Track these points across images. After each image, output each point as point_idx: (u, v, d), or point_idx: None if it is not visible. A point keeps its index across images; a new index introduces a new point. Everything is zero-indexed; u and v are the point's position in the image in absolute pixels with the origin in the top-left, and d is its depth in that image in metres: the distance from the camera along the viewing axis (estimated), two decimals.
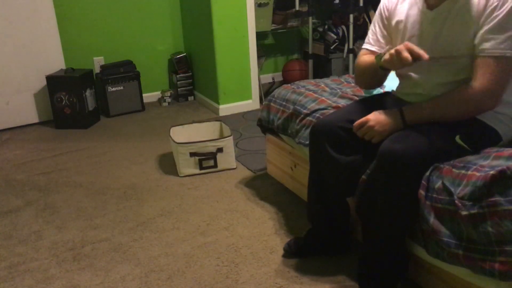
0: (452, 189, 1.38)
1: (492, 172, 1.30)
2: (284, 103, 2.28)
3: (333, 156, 1.71)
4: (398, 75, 1.81)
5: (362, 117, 1.65)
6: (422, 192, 1.46)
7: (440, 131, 1.52)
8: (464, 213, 1.34)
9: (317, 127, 1.77)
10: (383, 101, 1.82)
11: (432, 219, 1.43)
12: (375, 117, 1.61)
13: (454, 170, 1.42)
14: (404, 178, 1.47)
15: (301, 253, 1.95)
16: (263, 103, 2.49)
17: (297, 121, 2.14)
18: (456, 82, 1.57)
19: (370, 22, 1.55)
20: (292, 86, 2.38)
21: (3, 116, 3.71)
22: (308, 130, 1.98)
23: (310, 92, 2.23)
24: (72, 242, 2.15)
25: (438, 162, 1.48)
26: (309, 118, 2.07)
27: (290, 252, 1.95)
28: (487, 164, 1.38)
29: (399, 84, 1.84)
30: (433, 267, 1.57)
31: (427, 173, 1.47)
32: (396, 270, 1.65)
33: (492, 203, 1.29)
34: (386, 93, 1.95)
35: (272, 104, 2.38)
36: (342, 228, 1.92)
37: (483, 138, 1.56)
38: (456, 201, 1.36)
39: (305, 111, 2.11)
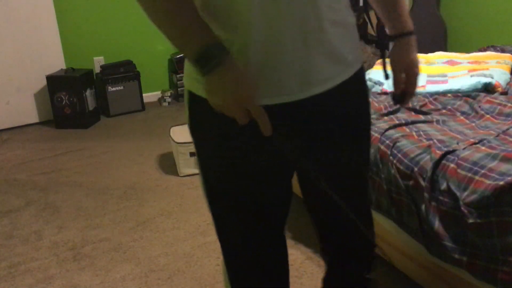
0: (458, 194, 1.37)
1: (501, 183, 1.28)
2: None
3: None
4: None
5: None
6: (426, 194, 1.45)
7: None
8: (470, 221, 1.32)
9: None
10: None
11: (437, 223, 1.42)
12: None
13: (459, 171, 1.40)
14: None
15: None
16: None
17: None
18: None
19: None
20: None
21: (3, 116, 3.70)
22: None
23: None
24: (72, 242, 2.15)
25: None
26: None
27: None
28: (496, 167, 1.35)
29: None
30: (433, 265, 1.56)
31: (429, 174, 1.46)
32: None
33: (500, 213, 1.28)
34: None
35: None
36: None
37: None
38: (462, 208, 1.35)
39: None
